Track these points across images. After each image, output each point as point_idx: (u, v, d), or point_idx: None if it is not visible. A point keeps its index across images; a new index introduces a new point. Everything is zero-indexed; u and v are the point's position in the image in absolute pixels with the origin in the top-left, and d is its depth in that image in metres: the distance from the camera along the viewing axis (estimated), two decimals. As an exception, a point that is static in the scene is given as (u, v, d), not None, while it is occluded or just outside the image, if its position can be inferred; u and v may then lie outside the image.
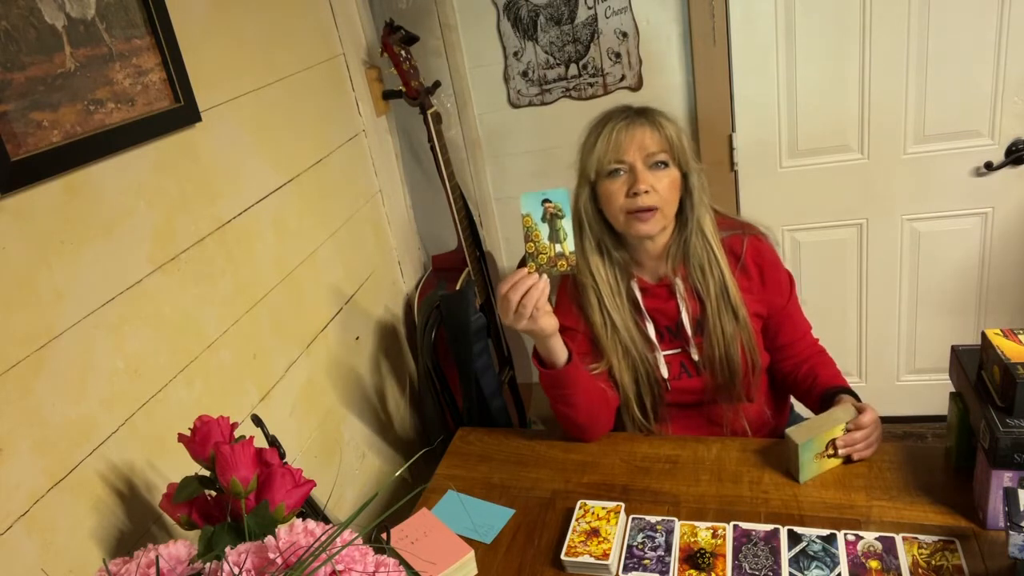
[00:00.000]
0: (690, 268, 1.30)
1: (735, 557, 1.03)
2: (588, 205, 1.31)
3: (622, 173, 1.24)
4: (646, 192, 1.22)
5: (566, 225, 1.09)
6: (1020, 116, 1.82)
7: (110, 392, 1.04)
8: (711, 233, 1.30)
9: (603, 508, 1.13)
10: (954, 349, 1.10)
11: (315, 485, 0.87)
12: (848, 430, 1.14)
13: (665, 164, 1.25)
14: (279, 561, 0.68)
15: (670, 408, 1.37)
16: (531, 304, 1.12)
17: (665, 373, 1.33)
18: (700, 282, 1.30)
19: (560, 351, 1.22)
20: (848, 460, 1.16)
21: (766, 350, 1.38)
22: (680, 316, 1.32)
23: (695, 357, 1.33)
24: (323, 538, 0.69)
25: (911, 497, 1.08)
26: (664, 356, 1.34)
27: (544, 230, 1.09)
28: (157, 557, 0.72)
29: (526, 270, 1.11)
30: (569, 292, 1.38)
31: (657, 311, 1.34)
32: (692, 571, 1.02)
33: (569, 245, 1.09)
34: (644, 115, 1.27)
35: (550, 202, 1.08)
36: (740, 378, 1.31)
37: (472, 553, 1.09)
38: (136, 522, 1.05)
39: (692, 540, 1.07)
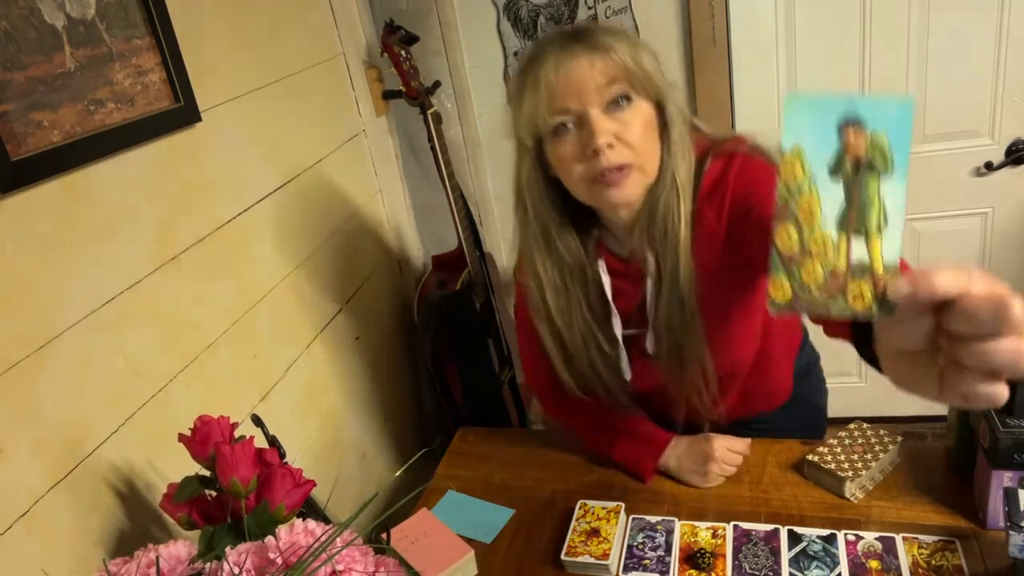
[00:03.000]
0: (655, 233, 0.99)
1: (735, 557, 1.03)
2: (531, 181, 1.00)
3: (570, 127, 0.92)
4: (609, 146, 0.90)
5: (893, 194, 0.48)
6: (1020, 116, 1.82)
7: (110, 392, 1.04)
8: (684, 184, 0.97)
9: (603, 508, 1.13)
10: (954, 349, 1.10)
11: (315, 485, 0.87)
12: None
13: (627, 98, 0.91)
14: (279, 561, 0.68)
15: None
16: (728, 472, 1.12)
17: (628, 375, 1.11)
18: (660, 248, 0.99)
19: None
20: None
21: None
22: (646, 300, 1.05)
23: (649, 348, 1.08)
24: (323, 538, 0.69)
25: (911, 497, 1.08)
26: (624, 343, 1.10)
27: (832, 199, 0.48)
28: (157, 557, 0.72)
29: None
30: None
31: (623, 293, 1.08)
32: (692, 571, 1.02)
33: (892, 250, 0.48)
34: (581, 39, 0.91)
35: (859, 126, 0.48)
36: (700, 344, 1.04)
37: (472, 553, 1.09)
38: (136, 522, 1.05)
39: (692, 540, 1.07)
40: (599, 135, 0.89)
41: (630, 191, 0.94)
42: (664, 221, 0.97)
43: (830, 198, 0.48)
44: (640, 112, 0.92)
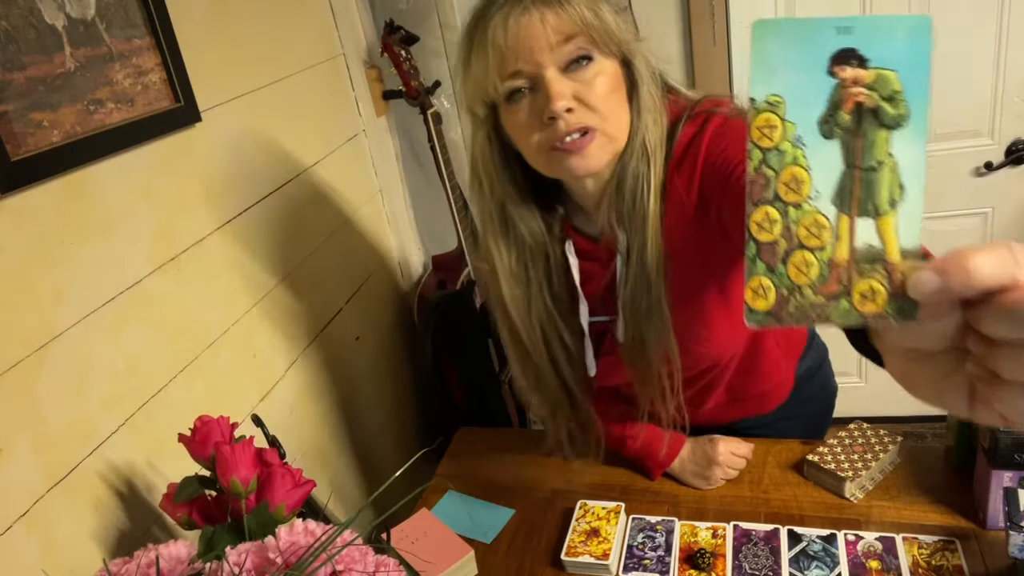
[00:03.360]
0: (623, 207, 0.89)
1: (735, 557, 1.03)
2: (486, 154, 0.91)
3: (524, 91, 0.83)
4: (568, 110, 0.80)
5: (910, 153, 0.36)
6: (1020, 116, 1.82)
7: (110, 392, 1.04)
8: (655, 150, 0.87)
9: (603, 508, 1.13)
10: (954, 349, 1.09)
11: (315, 485, 0.87)
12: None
13: (588, 57, 0.82)
14: (279, 561, 0.68)
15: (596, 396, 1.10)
16: (731, 476, 1.12)
17: (593, 370, 1.04)
18: (627, 223, 0.90)
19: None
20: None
21: None
22: (615, 282, 0.95)
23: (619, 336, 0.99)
24: (323, 538, 0.69)
25: (911, 497, 1.08)
26: (590, 335, 1.01)
27: (825, 164, 0.37)
28: (157, 557, 0.72)
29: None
30: None
31: (591, 277, 0.98)
32: (692, 571, 1.02)
33: (910, 230, 0.36)
34: None
35: (858, 61, 0.36)
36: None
37: (472, 553, 1.09)
38: (136, 522, 1.04)
39: (692, 540, 1.07)
40: (556, 99, 0.79)
41: (594, 158, 0.84)
42: (633, 193, 0.87)
43: (823, 164, 0.37)
44: (603, 70, 0.83)
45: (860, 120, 0.36)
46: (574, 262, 0.96)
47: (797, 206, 0.37)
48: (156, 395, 1.12)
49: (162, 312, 1.15)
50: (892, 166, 0.36)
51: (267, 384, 1.41)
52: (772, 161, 0.37)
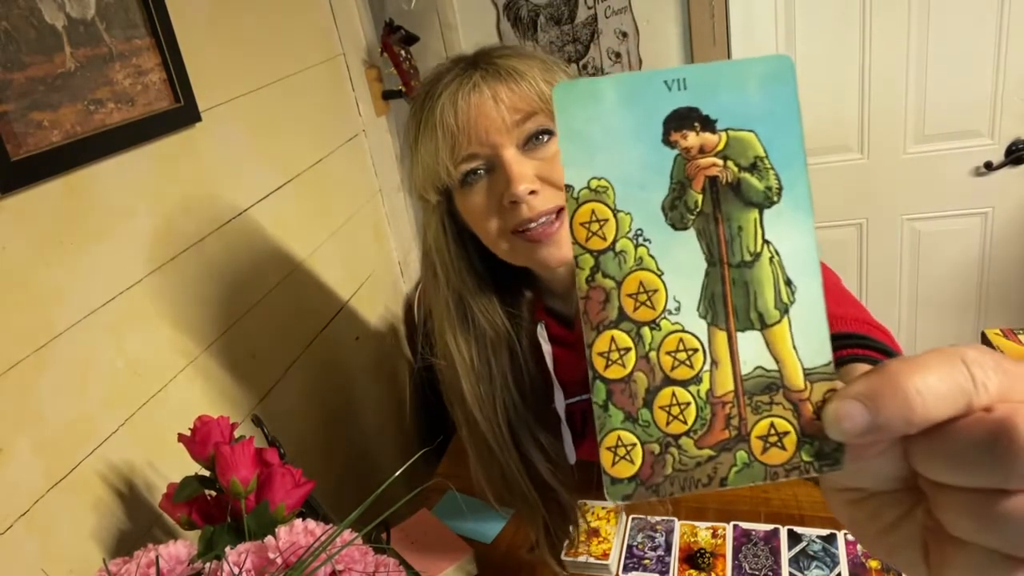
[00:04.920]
0: None
1: (735, 557, 1.03)
2: (441, 243, 0.84)
3: (481, 174, 0.77)
4: (532, 193, 0.74)
5: (793, 235, 0.28)
6: (1020, 116, 1.82)
7: (110, 392, 1.04)
8: None
9: (603, 508, 1.13)
10: (954, 349, 1.10)
11: (315, 485, 0.87)
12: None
13: (549, 132, 0.76)
14: (279, 561, 0.68)
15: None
16: None
17: (573, 457, 0.96)
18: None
19: None
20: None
21: None
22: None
23: None
24: (323, 538, 0.69)
25: (911, 497, 1.08)
26: (567, 421, 0.94)
27: (682, 262, 0.28)
28: (157, 557, 0.72)
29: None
30: None
31: (567, 364, 0.91)
32: (692, 571, 1.02)
33: (813, 341, 0.28)
34: (481, 65, 0.76)
35: (703, 124, 0.28)
36: None
37: (472, 553, 1.09)
38: (136, 522, 1.05)
39: (692, 540, 1.07)
40: (517, 181, 0.72)
41: (567, 245, 0.74)
42: None
43: (678, 264, 0.28)
44: None
45: (718, 200, 0.28)
46: (547, 348, 0.88)
47: (653, 325, 0.28)
48: (156, 395, 1.12)
49: (162, 312, 1.15)
50: (772, 257, 0.28)
51: (267, 384, 1.41)
52: (609, 268, 0.28)
